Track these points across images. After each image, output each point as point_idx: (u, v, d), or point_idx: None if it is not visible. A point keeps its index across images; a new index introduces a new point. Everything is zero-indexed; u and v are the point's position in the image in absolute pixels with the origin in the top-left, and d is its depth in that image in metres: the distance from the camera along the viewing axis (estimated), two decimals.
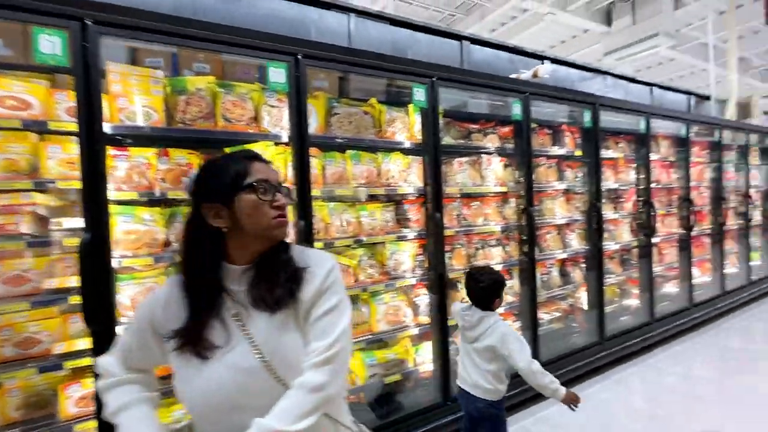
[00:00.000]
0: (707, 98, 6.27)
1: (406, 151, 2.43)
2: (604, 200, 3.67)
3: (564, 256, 3.18)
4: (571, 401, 1.62)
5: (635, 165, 3.75)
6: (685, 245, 4.11)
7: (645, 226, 3.58)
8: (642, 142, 3.65)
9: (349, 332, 0.92)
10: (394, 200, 2.49)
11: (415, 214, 2.47)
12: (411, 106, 2.39)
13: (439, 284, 2.28)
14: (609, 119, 3.43)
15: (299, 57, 1.80)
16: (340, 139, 2.14)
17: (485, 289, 1.73)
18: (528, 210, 2.60)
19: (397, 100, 2.45)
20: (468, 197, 2.74)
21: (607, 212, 3.55)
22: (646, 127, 3.57)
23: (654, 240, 3.71)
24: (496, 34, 8.44)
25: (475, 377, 1.71)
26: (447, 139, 2.57)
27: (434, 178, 2.23)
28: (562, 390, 1.60)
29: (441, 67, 2.23)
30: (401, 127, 2.40)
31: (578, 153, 3.20)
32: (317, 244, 2.01)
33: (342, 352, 0.86)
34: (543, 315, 3.00)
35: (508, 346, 1.62)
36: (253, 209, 0.86)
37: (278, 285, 0.87)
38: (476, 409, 1.71)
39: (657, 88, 5.50)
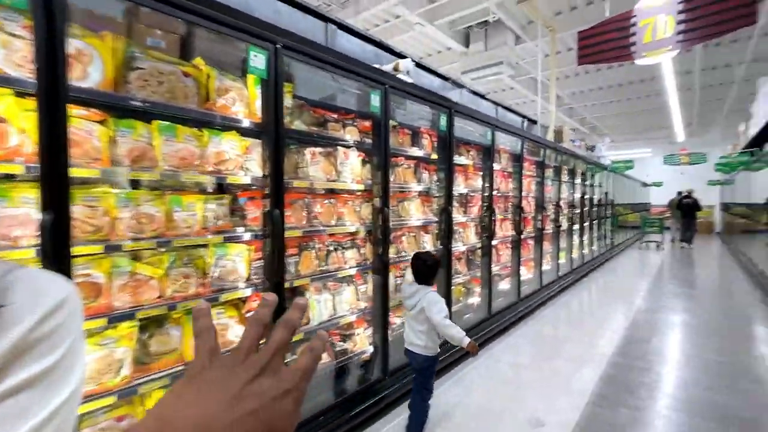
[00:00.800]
0: (535, 122, 7.48)
1: (244, 132, 1.97)
2: (455, 204, 3.86)
3: None
4: (471, 349, 2.07)
5: (482, 173, 4.07)
6: (516, 246, 4.69)
7: (487, 229, 3.90)
8: (488, 152, 3.97)
9: (68, 412, 0.48)
10: (226, 192, 2.00)
11: (253, 209, 2.03)
12: (252, 78, 1.94)
13: (276, 294, 1.89)
14: (462, 127, 3.61)
15: None
16: (140, 102, 1.55)
17: (431, 266, 2.21)
18: (383, 210, 2.44)
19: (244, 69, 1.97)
20: (321, 193, 2.44)
21: (457, 216, 3.74)
22: (491, 139, 3.90)
23: (494, 242, 4.09)
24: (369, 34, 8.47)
25: (412, 337, 2.18)
26: (297, 124, 2.21)
27: (275, 167, 1.84)
28: (467, 340, 2.06)
29: (288, 33, 1.85)
30: (238, 100, 1.93)
31: (435, 156, 3.24)
32: (87, 249, 1.40)
33: None
34: (396, 320, 2.91)
35: (431, 308, 2.09)
36: None
37: None
38: (416, 362, 2.18)
39: (501, 108, 6.25)
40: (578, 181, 7.39)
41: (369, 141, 2.64)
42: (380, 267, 2.52)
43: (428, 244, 3.36)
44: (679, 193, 12.34)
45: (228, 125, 1.89)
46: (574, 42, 6.49)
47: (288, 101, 2.09)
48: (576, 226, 7.15)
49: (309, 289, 2.33)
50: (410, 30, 8.42)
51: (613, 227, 10.54)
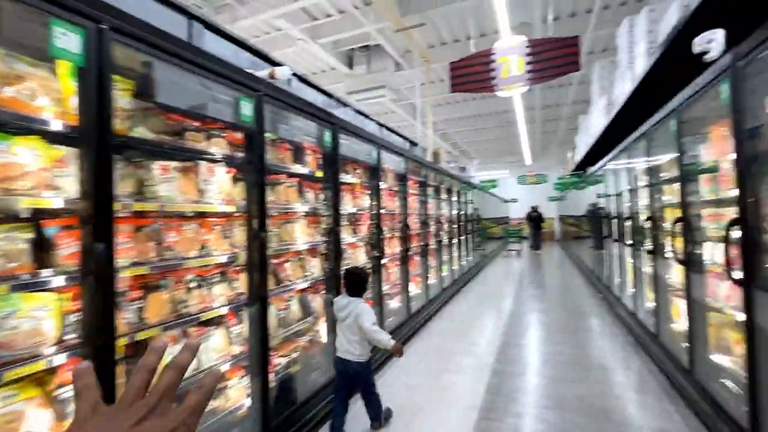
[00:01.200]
0: (415, 144, 7.95)
1: (53, 137, 1.44)
2: (344, 223, 3.69)
3: (305, 285, 2.87)
4: (396, 351, 2.33)
5: (369, 192, 4.02)
6: (404, 263, 4.76)
7: (376, 248, 3.84)
8: (374, 171, 3.95)
9: None
10: (25, 219, 1.43)
11: (69, 242, 1.48)
12: (66, 66, 1.44)
13: (105, 359, 1.39)
14: (349, 145, 3.50)
15: None
16: None
17: (362, 280, 2.48)
18: (260, 235, 2.10)
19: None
20: (178, 217, 1.98)
21: (346, 236, 3.57)
22: (377, 158, 3.88)
23: (383, 261, 4.04)
24: None
25: (347, 347, 2.38)
26: (140, 131, 1.74)
27: (99, 184, 1.37)
28: (392, 342, 2.30)
29: (119, 13, 1.43)
30: (42, 94, 1.40)
31: (320, 174, 3.03)
32: None
33: None
34: (279, 360, 2.54)
35: (362, 316, 2.32)
36: None
37: None
38: (352, 369, 2.37)
39: (385, 129, 6.44)
40: (454, 198, 8.07)
41: (242, 155, 2.29)
42: (258, 301, 2.15)
43: (316, 268, 3.09)
44: (532, 207, 14.66)
45: (24, 126, 1.35)
46: (446, 73, 7.17)
47: (125, 101, 1.63)
48: (455, 240, 7.74)
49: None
50: (293, 45, 8.18)
51: (483, 239, 11.84)
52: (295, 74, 3.91)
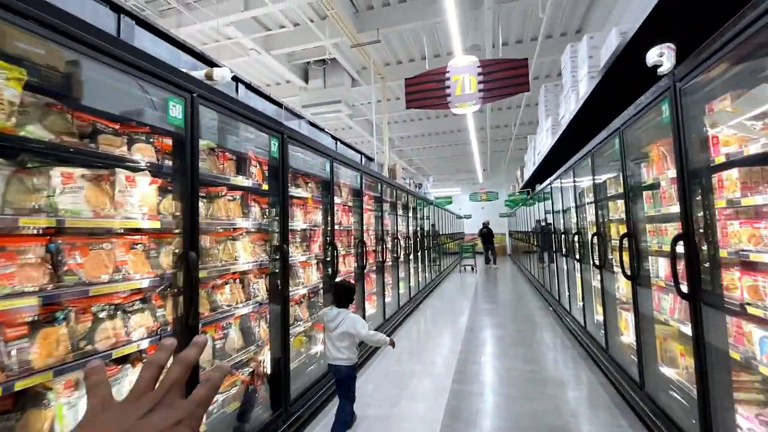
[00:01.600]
0: (372, 160, 7.88)
1: None
2: (298, 240, 3.45)
3: (247, 310, 2.58)
4: (392, 344, 2.64)
5: (323, 207, 3.81)
6: (360, 279, 4.55)
7: (330, 266, 3.61)
8: (328, 185, 3.76)
9: None
10: None
11: None
12: None
13: None
14: (303, 159, 3.31)
15: None
16: None
17: (350, 291, 2.73)
18: (189, 256, 1.82)
19: None
20: (83, 235, 1.66)
21: (297, 254, 3.33)
22: (331, 171, 3.71)
23: (337, 279, 3.81)
24: None
25: (336, 354, 2.58)
26: (34, 130, 1.44)
27: None
28: (387, 339, 2.64)
29: None
30: None
31: (266, 187, 2.79)
32: None
33: None
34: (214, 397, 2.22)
35: (356, 327, 2.56)
36: None
37: None
38: (340, 372, 2.58)
39: (341, 143, 6.29)
40: (410, 214, 8.05)
41: (171, 164, 2.01)
42: (185, 332, 1.85)
43: (261, 290, 2.81)
44: (483, 224, 15.11)
45: None
46: (402, 91, 7.24)
47: (12, 92, 1.34)
48: (411, 256, 7.67)
49: (53, 389, 1.47)
50: (245, 55, 7.89)
51: (439, 255, 11.94)
52: (241, 81, 3.67)
